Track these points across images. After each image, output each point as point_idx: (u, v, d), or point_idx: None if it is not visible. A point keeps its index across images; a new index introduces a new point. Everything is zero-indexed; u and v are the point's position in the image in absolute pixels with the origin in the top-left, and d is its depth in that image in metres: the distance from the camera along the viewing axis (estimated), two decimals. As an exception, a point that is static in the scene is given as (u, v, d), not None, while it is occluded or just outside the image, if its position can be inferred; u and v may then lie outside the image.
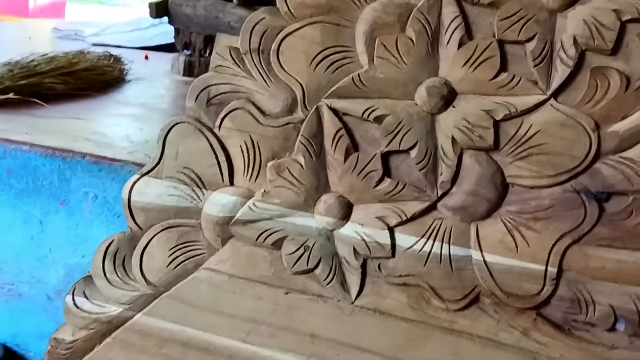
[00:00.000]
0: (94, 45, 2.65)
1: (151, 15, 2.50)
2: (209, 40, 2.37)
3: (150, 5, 2.48)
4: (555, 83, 0.97)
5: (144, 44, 2.85)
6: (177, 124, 1.10)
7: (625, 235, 0.98)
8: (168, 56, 2.50)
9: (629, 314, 0.99)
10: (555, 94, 0.97)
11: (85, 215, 1.45)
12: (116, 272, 1.14)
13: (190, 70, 2.44)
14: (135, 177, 1.13)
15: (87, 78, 2.07)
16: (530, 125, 0.98)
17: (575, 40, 0.94)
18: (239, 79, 1.07)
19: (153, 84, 2.25)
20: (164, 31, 2.71)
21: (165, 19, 2.40)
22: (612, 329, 1.00)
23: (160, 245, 1.14)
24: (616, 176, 0.97)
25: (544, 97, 0.97)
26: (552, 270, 1.00)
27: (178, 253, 1.15)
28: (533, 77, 0.97)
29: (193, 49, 2.46)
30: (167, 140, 1.11)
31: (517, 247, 1.01)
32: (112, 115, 1.83)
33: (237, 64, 1.07)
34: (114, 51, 2.38)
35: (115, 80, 2.18)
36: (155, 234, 1.14)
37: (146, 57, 2.65)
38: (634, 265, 0.98)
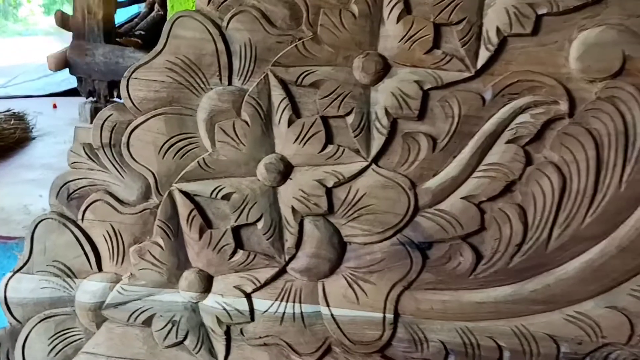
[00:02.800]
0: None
1: (50, 69, 2.38)
2: (113, 86, 2.29)
3: (49, 58, 2.37)
4: (374, 150, 0.95)
5: (53, 90, 2.69)
6: (42, 220, 1.05)
7: (447, 278, 0.98)
8: (77, 101, 2.36)
9: (456, 347, 0.99)
10: (376, 160, 0.96)
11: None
12: (0, 366, 1.06)
13: (97, 116, 2.32)
14: (8, 275, 1.08)
15: (-16, 146, 1.89)
16: (357, 190, 0.97)
17: (386, 110, 0.93)
18: (94, 173, 1.03)
19: (59, 138, 2.09)
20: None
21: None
22: (445, 361, 0.99)
23: (39, 336, 1.09)
24: (434, 227, 0.96)
25: (365, 163, 0.96)
26: (389, 316, 0.99)
27: (57, 341, 1.10)
28: (355, 146, 0.95)
29: (98, 95, 2.36)
30: (35, 237, 1.07)
31: (358, 299, 0.99)
32: (11, 183, 1.69)
33: (91, 159, 1.03)
34: (20, 105, 2.19)
35: (18, 142, 1.99)
36: (34, 326, 1.09)
37: (54, 106, 2.50)
38: (456, 304, 0.98)
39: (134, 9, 4.75)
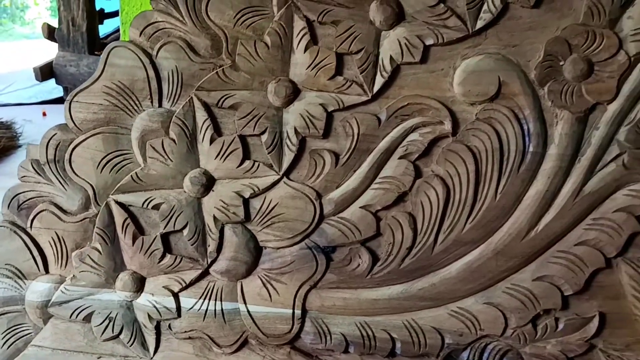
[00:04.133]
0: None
1: (37, 79, 2.23)
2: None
3: (35, 69, 2.22)
4: (285, 165, 0.90)
5: (44, 97, 2.52)
6: (-6, 228, 0.98)
7: (348, 278, 0.92)
8: (65, 109, 2.21)
9: (356, 339, 0.93)
10: (287, 173, 0.91)
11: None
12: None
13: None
14: (-35, 277, 1.00)
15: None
16: (271, 200, 0.91)
17: (296, 130, 0.88)
18: (41, 186, 0.97)
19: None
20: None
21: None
22: (347, 351, 0.94)
23: (-7, 331, 1.01)
24: (336, 232, 0.91)
25: (277, 176, 0.91)
26: (298, 312, 0.94)
27: (9, 336, 1.02)
28: (269, 162, 0.90)
29: (84, 105, 2.24)
30: (-11, 243, 0.99)
31: (271, 297, 0.94)
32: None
33: (38, 174, 0.96)
34: (10, 114, 2.01)
35: (3, 150, 1.81)
36: (-12, 323, 1.01)
37: (44, 114, 2.34)
38: (356, 301, 0.93)
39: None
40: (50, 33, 3.37)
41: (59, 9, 3.44)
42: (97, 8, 3.53)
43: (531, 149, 0.85)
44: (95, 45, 3.31)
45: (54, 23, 3.36)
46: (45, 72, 2.23)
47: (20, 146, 1.88)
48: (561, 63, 0.84)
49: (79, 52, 3.17)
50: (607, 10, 0.82)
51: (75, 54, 3.17)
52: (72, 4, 3.35)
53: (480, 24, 0.84)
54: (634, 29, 0.82)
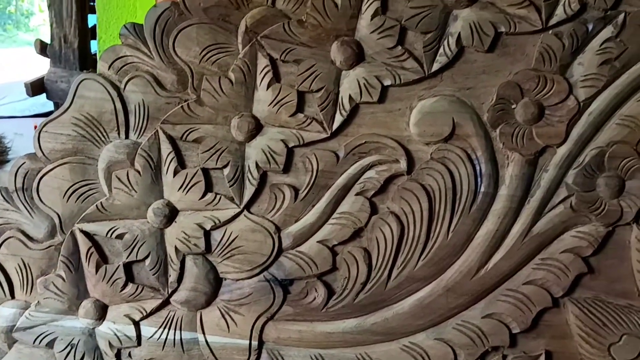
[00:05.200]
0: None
1: (28, 94, 2.20)
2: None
3: (26, 84, 2.20)
4: (246, 198, 0.89)
5: (37, 111, 2.47)
6: (-38, 252, 0.96)
7: (303, 311, 0.90)
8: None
9: None
10: (247, 207, 0.89)
11: None
12: None
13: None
14: None
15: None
16: (231, 232, 0.90)
17: (257, 164, 0.88)
18: (9, 213, 0.95)
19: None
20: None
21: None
22: (301, 383, 0.91)
23: (-40, 354, 0.98)
24: (294, 266, 0.89)
25: (238, 210, 0.89)
26: (255, 343, 0.92)
27: None
28: (230, 195, 0.89)
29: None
30: (-44, 267, 0.96)
31: (229, 327, 0.92)
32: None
33: (7, 201, 0.94)
34: (1, 127, 1.96)
35: None
36: (-45, 345, 0.98)
37: (35, 127, 2.32)
38: (311, 333, 0.91)
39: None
40: (43, 49, 3.37)
41: (51, 26, 3.45)
42: (90, 25, 3.53)
43: (483, 189, 0.86)
44: (87, 62, 3.30)
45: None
46: (36, 87, 2.22)
47: (8, 161, 1.85)
48: (513, 106, 0.85)
49: (71, 68, 3.17)
50: (559, 56, 0.83)
51: (67, 70, 3.17)
52: (64, 21, 3.36)
53: (436, 66, 0.85)
54: (584, 75, 0.83)
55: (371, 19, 0.84)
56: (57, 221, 0.94)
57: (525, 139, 0.83)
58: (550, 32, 0.82)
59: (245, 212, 0.90)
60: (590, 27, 0.82)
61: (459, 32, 0.83)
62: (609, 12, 0.82)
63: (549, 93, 0.82)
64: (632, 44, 0.81)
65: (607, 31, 0.82)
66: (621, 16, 0.81)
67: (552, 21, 0.82)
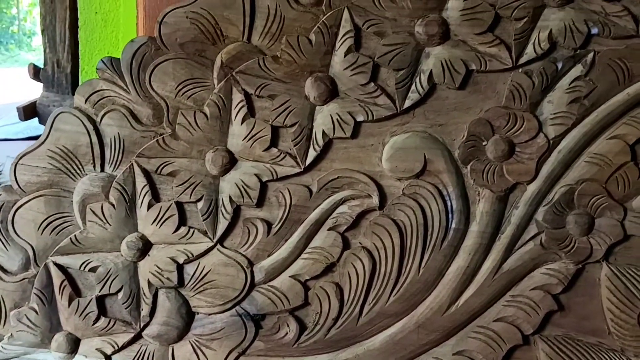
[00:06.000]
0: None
1: (20, 119, 2.17)
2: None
3: (18, 109, 2.17)
4: (219, 232, 0.89)
5: (31, 134, 2.41)
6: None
7: (275, 346, 0.89)
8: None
9: None
10: (220, 240, 0.89)
11: None
12: None
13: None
14: None
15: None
16: (204, 266, 0.89)
17: (231, 198, 0.87)
18: (-16, 245, 0.94)
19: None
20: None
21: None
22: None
23: None
24: (266, 301, 0.89)
25: (211, 243, 0.89)
26: None
27: None
28: (203, 229, 0.88)
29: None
30: None
31: (200, 363, 0.90)
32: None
33: (-19, 233, 0.93)
34: None
35: None
36: None
37: None
38: None
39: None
40: (36, 73, 3.39)
41: (44, 51, 3.46)
42: (83, 51, 3.55)
43: (454, 225, 0.86)
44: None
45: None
46: (29, 111, 2.21)
47: (0, 183, 1.83)
48: (484, 143, 0.85)
49: (63, 93, 3.17)
50: (529, 94, 0.84)
51: (59, 94, 3.18)
52: (57, 45, 3.38)
53: (408, 103, 0.86)
54: (554, 113, 0.83)
55: (345, 56, 0.85)
56: (31, 254, 0.94)
57: (495, 176, 0.83)
58: (521, 70, 0.83)
59: (218, 246, 0.89)
60: (559, 65, 0.83)
61: (431, 70, 0.84)
62: (578, 51, 0.82)
63: (519, 130, 0.83)
64: (600, 82, 0.82)
65: (577, 70, 0.82)
66: (590, 55, 0.82)
67: (522, 59, 0.83)
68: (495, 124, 0.83)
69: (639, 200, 0.83)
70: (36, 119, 2.95)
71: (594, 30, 0.82)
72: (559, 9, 0.82)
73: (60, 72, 3.42)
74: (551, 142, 0.83)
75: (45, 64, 3.46)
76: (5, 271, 0.96)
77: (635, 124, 0.82)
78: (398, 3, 0.84)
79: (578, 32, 0.82)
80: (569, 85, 0.83)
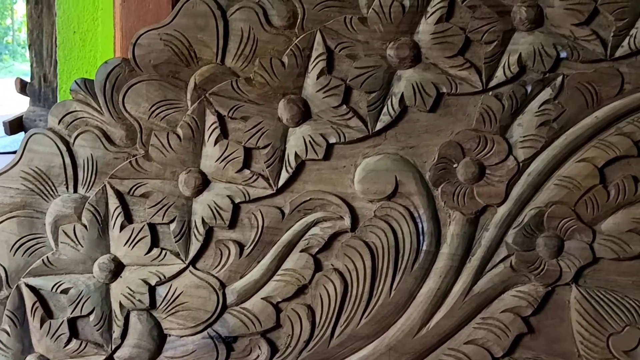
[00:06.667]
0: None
1: (6, 133, 2.15)
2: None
3: (4, 123, 2.15)
4: (191, 254, 0.88)
5: (17, 147, 2.41)
6: None
7: None
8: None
9: None
10: (193, 262, 0.89)
11: None
12: None
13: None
14: None
15: None
16: (176, 288, 0.89)
17: (203, 220, 0.87)
18: (-45, 267, 0.93)
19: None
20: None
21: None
22: None
23: None
24: (238, 323, 0.88)
25: (183, 265, 0.88)
26: None
27: None
28: (176, 250, 0.88)
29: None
30: None
31: (170, 385, 0.89)
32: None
33: (-47, 254, 0.93)
34: None
35: None
36: None
37: None
38: None
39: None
40: (23, 87, 3.39)
41: (31, 65, 3.47)
42: (69, 65, 3.56)
43: (425, 247, 0.86)
44: (66, 101, 3.29)
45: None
46: (15, 126, 2.20)
47: None
48: (455, 166, 0.85)
49: (49, 107, 3.17)
50: (498, 117, 0.84)
51: (46, 109, 3.18)
52: (44, 60, 3.38)
53: (380, 125, 0.86)
54: (523, 136, 0.84)
55: (317, 78, 0.85)
56: (3, 275, 0.93)
57: (466, 198, 0.84)
58: (491, 93, 0.83)
59: (190, 267, 0.89)
60: (529, 89, 0.83)
61: (402, 92, 0.84)
62: (548, 74, 0.83)
63: (489, 153, 0.83)
64: (569, 106, 0.83)
65: (546, 93, 0.83)
66: (559, 79, 0.83)
67: (492, 83, 0.83)
68: (465, 146, 0.83)
69: (608, 223, 0.83)
70: (23, 133, 2.95)
71: (563, 54, 0.82)
72: (528, 33, 0.83)
73: (47, 87, 3.41)
74: (521, 164, 0.83)
75: (32, 78, 3.46)
76: (-23, 293, 0.95)
77: (604, 147, 0.83)
78: (370, 26, 0.84)
79: (547, 55, 0.82)
80: (538, 108, 0.83)
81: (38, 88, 3.40)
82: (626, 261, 0.84)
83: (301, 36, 0.85)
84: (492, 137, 0.83)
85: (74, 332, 0.92)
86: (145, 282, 0.90)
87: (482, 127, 0.83)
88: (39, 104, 3.35)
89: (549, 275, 0.84)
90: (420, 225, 0.84)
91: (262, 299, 0.88)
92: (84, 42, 1.34)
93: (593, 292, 0.84)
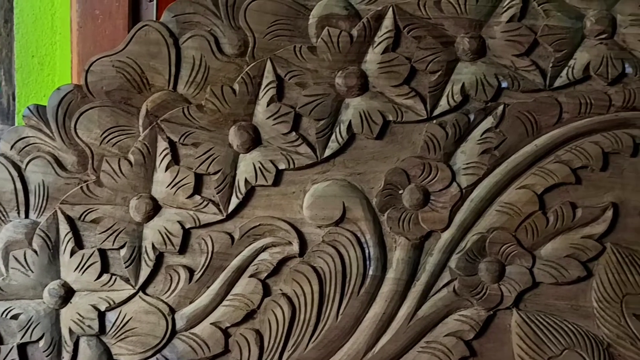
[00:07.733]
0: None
1: None
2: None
3: None
4: (141, 279, 0.88)
5: None
6: None
7: None
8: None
9: None
10: (143, 288, 0.88)
11: None
12: None
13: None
14: None
15: None
16: (126, 314, 0.89)
17: (153, 245, 0.87)
18: None
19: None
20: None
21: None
22: None
23: None
24: (186, 348, 0.88)
25: (133, 291, 0.88)
26: None
27: None
28: (126, 276, 0.88)
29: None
30: None
31: (118, 413, 0.88)
32: None
33: None
34: None
35: None
36: None
37: None
38: None
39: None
40: None
41: (0, 83, 3.45)
42: (39, 83, 3.55)
43: (371, 272, 0.87)
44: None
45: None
46: None
47: None
48: (400, 192, 0.87)
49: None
50: (442, 144, 0.87)
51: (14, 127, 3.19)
52: (13, 78, 3.37)
53: (328, 152, 0.87)
54: (466, 163, 0.86)
55: (267, 105, 0.86)
56: (-50, 333, 0.91)
57: (411, 224, 0.85)
58: (435, 121, 0.85)
59: (140, 293, 0.89)
60: (472, 117, 0.85)
61: (350, 120, 0.86)
62: (489, 103, 0.85)
63: (433, 180, 0.85)
64: (510, 134, 0.85)
65: (488, 122, 0.85)
66: (500, 107, 0.85)
67: (437, 111, 0.85)
68: (410, 173, 0.85)
69: (547, 249, 0.85)
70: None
71: (504, 84, 0.85)
72: (471, 63, 0.85)
73: (16, 105, 3.39)
74: (464, 191, 0.85)
75: (0, 97, 3.44)
76: None
77: (543, 175, 0.85)
78: (319, 55, 0.86)
79: (489, 85, 0.85)
80: (481, 136, 0.85)
81: (7, 106, 3.38)
82: (564, 285, 0.86)
83: (252, 64, 0.86)
84: (436, 164, 0.85)
85: (23, 358, 0.91)
86: (95, 307, 0.89)
87: (427, 154, 0.85)
88: (8, 123, 3.33)
89: (491, 300, 0.85)
90: (367, 251, 0.86)
91: (211, 324, 0.88)
92: (42, 67, 1.34)
93: (533, 316, 0.86)
